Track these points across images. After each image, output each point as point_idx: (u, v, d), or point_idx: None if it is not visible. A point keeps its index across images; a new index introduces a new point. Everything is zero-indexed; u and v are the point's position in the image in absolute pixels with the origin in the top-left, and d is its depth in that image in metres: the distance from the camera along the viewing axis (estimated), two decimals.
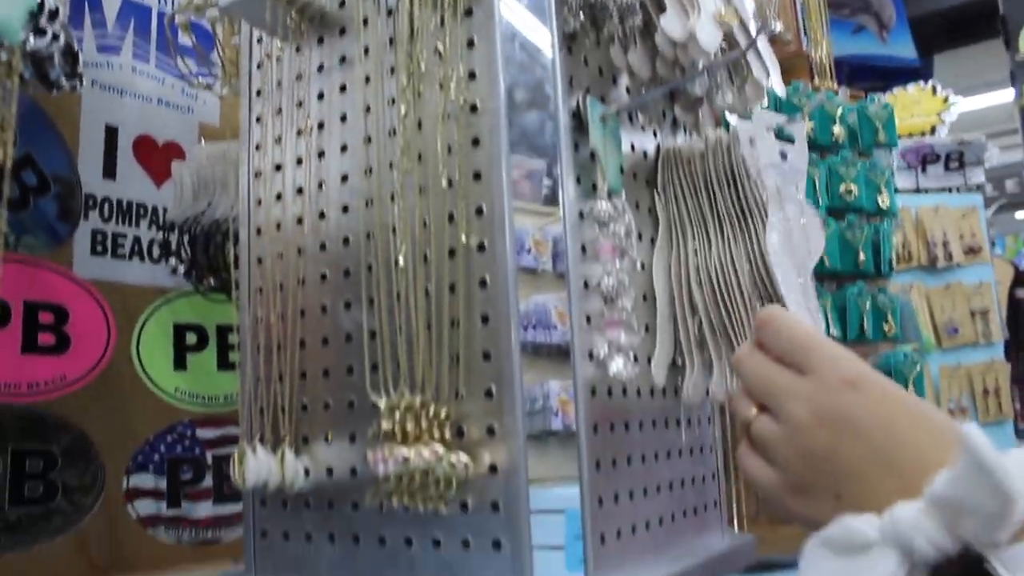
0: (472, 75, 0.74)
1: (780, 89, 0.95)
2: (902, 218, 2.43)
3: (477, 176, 0.73)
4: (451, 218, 0.73)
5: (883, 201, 1.49)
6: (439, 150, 0.73)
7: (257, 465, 0.81)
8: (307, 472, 0.82)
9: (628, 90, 0.85)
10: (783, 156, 0.86)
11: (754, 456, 0.64)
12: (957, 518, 0.48)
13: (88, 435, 1.15)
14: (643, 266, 0.84)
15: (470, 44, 0.74)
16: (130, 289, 1.20)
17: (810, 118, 1.44)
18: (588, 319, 0.74)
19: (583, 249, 0.75)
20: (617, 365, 0.73)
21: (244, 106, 0.90)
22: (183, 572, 1.19)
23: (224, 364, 1.28)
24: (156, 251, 1.23)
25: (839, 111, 1.48)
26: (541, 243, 2.66)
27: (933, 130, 3.17)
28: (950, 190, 3.00)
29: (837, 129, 1.47)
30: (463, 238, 0.72)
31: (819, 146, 1.45)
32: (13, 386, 1.09)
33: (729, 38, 0.90)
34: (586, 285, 0.74)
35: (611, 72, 0.84)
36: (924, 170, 3.00)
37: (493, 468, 0.71)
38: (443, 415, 0.72)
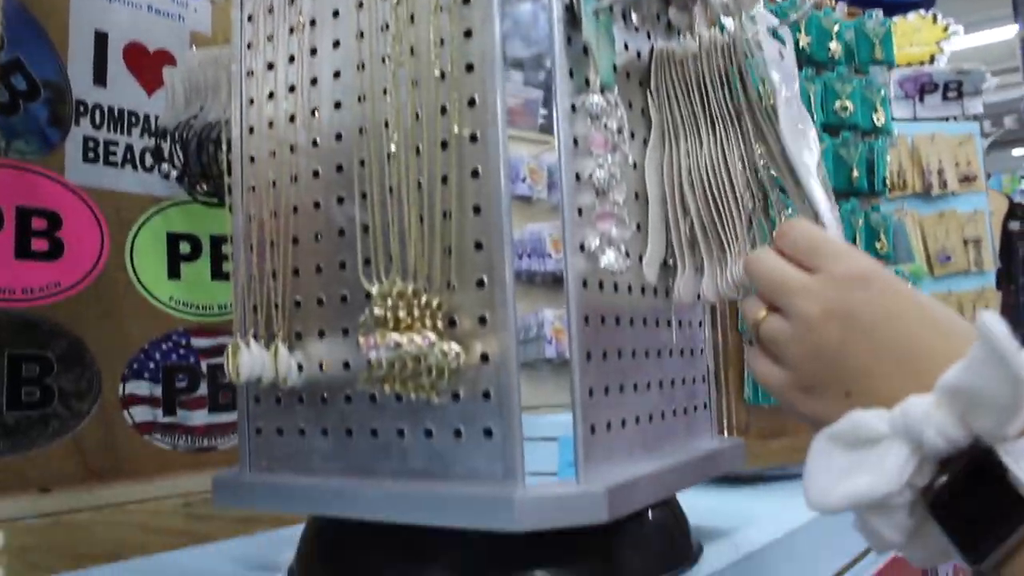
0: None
1: None
2: (899, 146, 2.44)
3: (470, 68, 0.72)
4: (443, 110, 0.73)
5: (878, 119, 1.49)
6: (431, 41, 0.73)
7: (251, 359, 0.82)
8: (300, 367, 0.83)
9: None
10: (781, 55, 0.86)
11: (763, 357, 0.65)
12: (969, 409, 0.48)
13: (83, 341, 1.16)
14: (635, 165, 0.84)
15: None
16: (123, 197, 1.20)
17: (807, 32, 1.42)
18: (580, 212, 0.74)
19: (575, 143, 0.75)
20: (609, 258, 0.73)
21: (236, 4, 0.90)
22: (179, 478, 1.21)
23: (218, 274, 1.29)
24: (149, 159, 1.23)
25: (836, 27, 1.47)
26: (536, 171, 2.65)
27: (932, 59, 3.16)
28: (947, 119, 2.99)
29: (834, 45, 1.46)
30: (455, 129, 0.72)
31: (815, 62, 1.45)
32: (8, 291, 1.09)
33: None
34: (578, 178, 0.75)
35: None
36: (922, 100, 2.99)
37: (484, 357, 0.71)
38: (435, 304, 0.73)
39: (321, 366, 0.81)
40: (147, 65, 1.24)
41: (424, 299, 0.72)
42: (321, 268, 0.81)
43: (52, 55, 1.15)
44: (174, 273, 1.25)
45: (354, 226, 0.78)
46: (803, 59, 1.43)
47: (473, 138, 0.72)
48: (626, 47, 0.85)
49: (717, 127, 0.84)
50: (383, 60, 0.76)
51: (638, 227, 0.84)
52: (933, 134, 2.50)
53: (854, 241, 1.40)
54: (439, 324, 0.72)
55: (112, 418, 1.18)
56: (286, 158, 0.83)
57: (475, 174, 0.72)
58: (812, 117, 1.40)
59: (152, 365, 1.22)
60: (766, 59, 0.82)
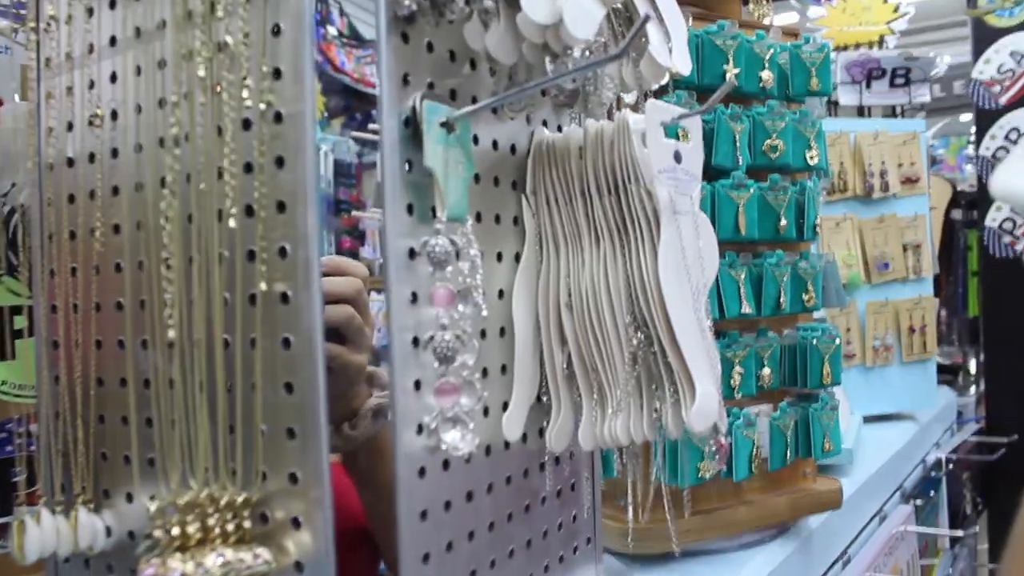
0: (277, 73, 0.58)
1: (685, 65, 0.80)
2: (840, 145, 2.31)
3: (281, 207, 0.58)
4: (251, 255, 0.59)
5: (812, 157, 1.35)
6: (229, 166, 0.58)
7: (41, 536, 0.68)
8: (108, 532, 0.69)
9: (493, 73, 0.70)
10: (677, 158, 0.72)
11: None
12: None
13: None
14: (501, 293, 0.71)
15: (275, 31, 0.58)
16: None
17: (735, 63, 1.28)
18: (417, 384, 0.60)
19: (413, 297, 0.61)
20: (453, 438, 0.60)
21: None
22: None
23: None
24: None
25: (769, 53, 1.33)
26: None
27: (881, 40, 3.04)
28: (895, 109, 2.88)
29: (766, 75, 1.32)
30: (263, 286, 0.57)
31: (744, 94, 1.30)
32: None
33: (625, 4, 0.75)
34: (416, 342, 0.61)
35: (468, 57, 0.68)
36: (868, 86, 2.87)
37: (299, 566, 0.58)
38: (240, 501, 0.59)
39: (131, 534, 0.68)
40: None
41: (225, 499, 0.59)
42: (127, 419, 0.67)
43: None
44: (4, 353, 1.08)
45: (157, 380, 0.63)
46: (730, 93, 1.29)
47: (284, 298, 0.58)
48: (495, 145, 0.71)
49: (602, 241, 0.71)
50: (187, 178, 0.61)
51: (503, 369, 0.71)
52: (876, 133, 2.37)
53: (778, 295, 1.28)
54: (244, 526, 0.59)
55: None
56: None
57: (286, 343, 0.58)
58: (738, 160, 1.27)
59: None
60: (650, 167, 0.69)
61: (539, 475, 0.75)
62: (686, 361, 0.66)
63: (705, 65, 1.26)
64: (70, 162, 0.71)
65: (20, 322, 1.10)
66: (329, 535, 0.57)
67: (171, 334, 0.58)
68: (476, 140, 0.69)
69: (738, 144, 1.26)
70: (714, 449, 0.73)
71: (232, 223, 0.57)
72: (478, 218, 0.69)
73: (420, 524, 0.60)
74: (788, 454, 1.29)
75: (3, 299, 1.08)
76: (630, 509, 1.24)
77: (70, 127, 0.71)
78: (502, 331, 0.71)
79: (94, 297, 0.69)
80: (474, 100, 0.68)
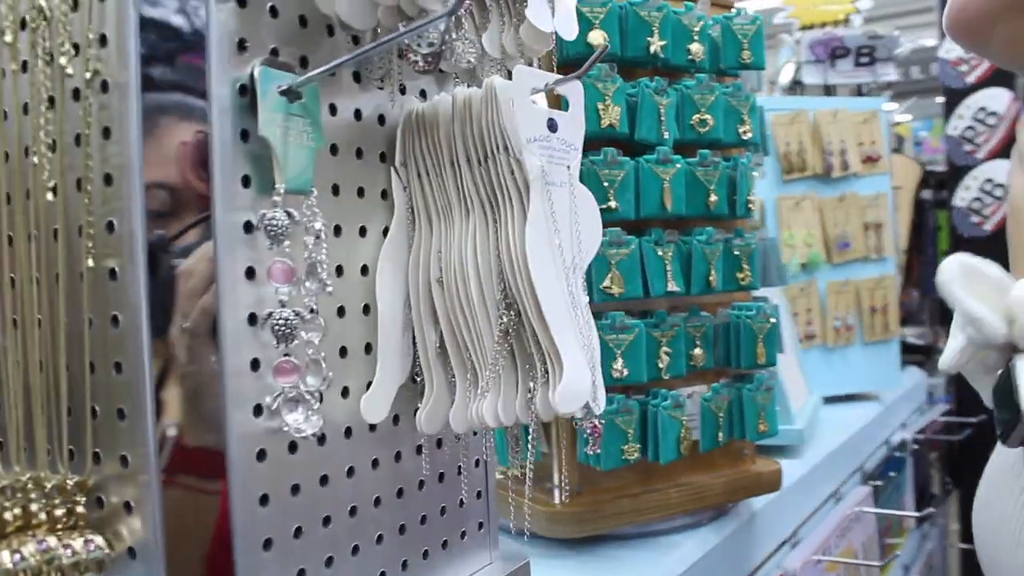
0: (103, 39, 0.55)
1: (568, 31, 0.76)
2: (799, 123, 2.28)
3: (108, 179, 0.56)
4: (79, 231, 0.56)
5: (745, 132, 1.32)
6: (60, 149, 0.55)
7: None
8: None
9: (356, 42, 0.67)
10: (552, 127, 0.69)
11: None
12: None
13: None
14: (365, 269, 0.68)
15: None
16: None
17: (661, 35, 1.25)
18: (255, 364, 0.58)
19: (250, 272, 0.58)
20: (295, 419, 0.57)
21: None
22: None
23: None
24: None
25: (699, 26, 1.29)
26: None
27: (847, 19, 3.01)
28: (860, 88, 2.86)
29: (695, 47, 1.28)
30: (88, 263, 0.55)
31: (671, 68, 1.27)
32: None
33: None
34: (253, 319, 0.58)
35: (324, 23, 0.65)
36: (833, 64, 2.85)
37: (132, 552, 0.56)
38: (70, 485, 0.57)
39: None
40: None
41: (52, 483, 0.56)
42: None
43: None
44: None
45: None
46: (656, 65, 1.26)
47: (112, 274, 0.55)
48: (357, 115, 0.68)
49: (472, 213, 0.68)
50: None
51: (367, 348, 0.68)
52: (836, 111, 2.33)
53: (707, 273, 1.25)
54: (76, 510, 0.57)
55: None
56: None
57: (115, 321, 0.56)
58: (664, 134, 1.24)
59: None
60: (519, 135, 0.65)
61: (415, 458, 0.73)
62: (555, 340, 0.64)
63: (629, 37, 1.22)
64: None
65: None
66: (158, 521, 0.55)
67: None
68: (334, 110, 0.66)
69: (664, 118, 1.23)
70: (587, 431, 0.70)
71: (51, 197, 0.54)
72: (335, 191, 0.66)
73: (260, 509, 0.58)
74: (721, 436, 1.27)
75: None
76: (556, 492, 1.23)
77: None
78: (366, 308, 0.68)
79: None
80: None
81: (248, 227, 0.58)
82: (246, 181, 0.58)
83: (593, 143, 1.18)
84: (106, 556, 0.57)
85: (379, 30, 0.66)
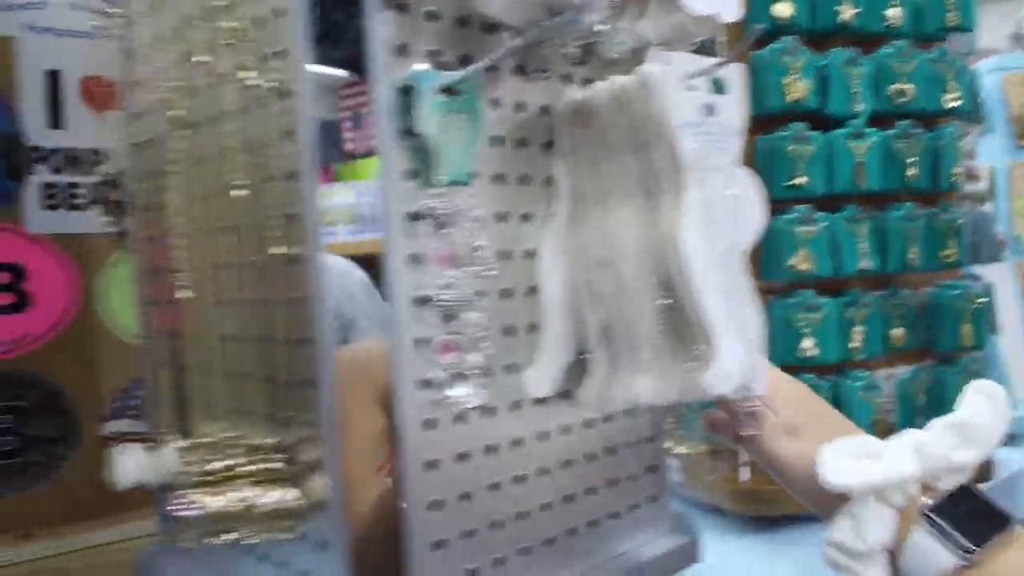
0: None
1: (729, 10, 0.75)
2: None
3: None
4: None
5: (951, 100, 1.25)
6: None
7: (130, 466, 0.75)
8: None
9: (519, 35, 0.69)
10: (709, 111, 0.67)
11: None
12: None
13: (60, 387, 1.12)
14: (530, 253, 0.70)
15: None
16: (89, 239, 1.14)
17: (856, 2, 1.19)
18: (424, 342, 0.62)
19: (416, 258, 0.61)
20: (459, 393, 0.61)
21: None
22: None
23: None
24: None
25: None
26: None
27: None
28: None
29: (892, 12, 1.22)
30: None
31: (866, 36, 1.22)
32: None
33: None
34: (420, 302, 0.61)
35: (483, 23, 0.67)
36: None
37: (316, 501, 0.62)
38: (268, 445, 0.63)
39: None
40: (107, 97, 1.16)
41: (250, 443, 0.63)
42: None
43: (2, 104, 1.09)
44: None
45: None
46: (847, 36, 1.21)
47: (294, 261, 0.61)
48: (521, 107, 0.70)
49: (631, 199, 0.67)
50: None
51: (534, 328, 0.70)
52: None
53: (905, 250, 1.19)
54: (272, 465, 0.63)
55: (95, 459, 1.15)
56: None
57: (300, 302, 0.62)
58: (857, 107, 1.19)
59: (133, 402, 1.18)
60: (673, 123, 0.64)
61: (584, 432, 0.74)
62: (708, 323, 0.63)
63: (818, 7, 1.19)
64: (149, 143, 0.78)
65: None
66: (340, 478, 0.60)
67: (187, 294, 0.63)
68: (497, 103, 0.68)
69: (857, 90, 1.19)
70: (745, 413, 0.70)
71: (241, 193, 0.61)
72: (500, 180, 0.68)
73: (427, 473, 0.61)
74: (919, 420, 1.22)
75: None
76: (740, 470, 1.21)
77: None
78: (531, 290, 0.70)
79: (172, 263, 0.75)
80: (494, 67, 0.67)
81: (415, 216, 0.61)
82: (414, 174, 0.62)
83: (780, 118, 1.15)
84: (298, 506, 0.63)
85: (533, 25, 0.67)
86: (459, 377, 0.61)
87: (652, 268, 0.66)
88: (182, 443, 0.65)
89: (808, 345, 1.14)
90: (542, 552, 0.71)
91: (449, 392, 0.61)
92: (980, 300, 1.24)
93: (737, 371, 0.64)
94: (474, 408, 0.63)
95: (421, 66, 0.61)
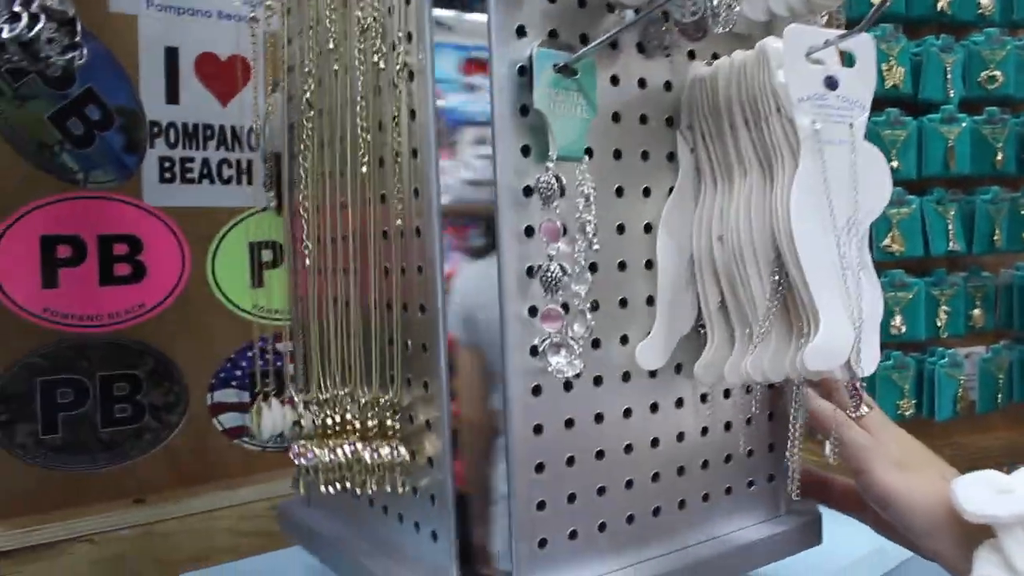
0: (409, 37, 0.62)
1: None
2: None
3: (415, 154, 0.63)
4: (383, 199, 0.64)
5: None
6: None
7: (272, 418, 0.78)
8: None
9: (637, 12, 0.68)
10: (831, 84, 0.65)
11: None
12: None
13: (170, 357, 1.14)
14: (649, 228, 0.70)
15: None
16: (202, 212, 1.15)
17: None
18: (533, 311, 0.62)
19: (528, 231, 0.62)
20: (557, 361, 0.62)
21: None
22: (266, 482, 1.20)
23: None
24: (227, 172, 1.19)
25: None
26: None
27: None
28: None
29: (986, 0, 1.21)
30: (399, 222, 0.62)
31: (957, 24, 1.20)
32: (95, 317, 1.09)
33: None
34: (529, 272, 0.62)
35: (603, 3, 0.66)
36: None
37: (429, 459, 0.64)
38: (383, 402, 0.66)
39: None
40: (220, 75, 1.17)
41: (364, 400, 0.65)
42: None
43: (123, 80, 1.10)
44: (257, 281, 1.21)
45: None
46: (943, 22, 1.19)
47: (417, 232, 0.63)
48: (642, 83, 0.69)
49: (749, 174, 0.67)
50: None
51: (649, 300, 0.70)
52: None
53: (992, 233, 1.18)
54: (388, 422, 0.66)
55: (202, 427, 1.17)
56: None
57: (420, 270, 0.63)
58: (949, 93, 1.18)
59: (239, 373, 1.20)
60: (791, 97, 0.63)
61: (700, 405, 0.74)
62: (814, 299, 0.62)
63: None
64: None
65: (267, 255, 1.23)
66: (448, 437, 0.61)
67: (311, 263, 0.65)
68: (616, 81, 0.68)
69: (949, 76, 1.17)
70: (849, 392, 0.69)
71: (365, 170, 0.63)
72: (617, 155, 0.68)
73: (534, 436, 0.62)
74: (1000, 398, 1.20)
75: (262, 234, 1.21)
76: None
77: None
78: (648, 264, 0.69)
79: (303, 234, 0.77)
80: (614, 45, 0.67)
81: (527, 191, 0.62)
82: (526, 150, 0.62)
83: (877, 103, 1.13)
84: (405, 463, 0.65)
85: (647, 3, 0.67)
86: (560, 346, 0.62)
87: (765, 243, 0.65)
88: (303, 398, 0.67)
89: (897, 322, 1.14)
90: (648, 521, 0.71)
91: (549, 359, 0.62)
92: None
93: (840, 349, 0.63)
94: (577, 376, 0.63)
95: (538, 46, 0.62)
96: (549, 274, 0.61)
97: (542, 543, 0.64)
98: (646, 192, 0.70)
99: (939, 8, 1.16)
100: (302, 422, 0.72)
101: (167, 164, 1.15)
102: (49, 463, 1.07)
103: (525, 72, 0.62)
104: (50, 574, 1.05)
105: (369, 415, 0.66)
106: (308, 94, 0.71)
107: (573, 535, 0.66)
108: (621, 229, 0.68)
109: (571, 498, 0.65)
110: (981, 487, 0.62)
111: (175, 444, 1.15)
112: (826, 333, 0.61)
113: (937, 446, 1.18)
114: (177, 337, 1.15)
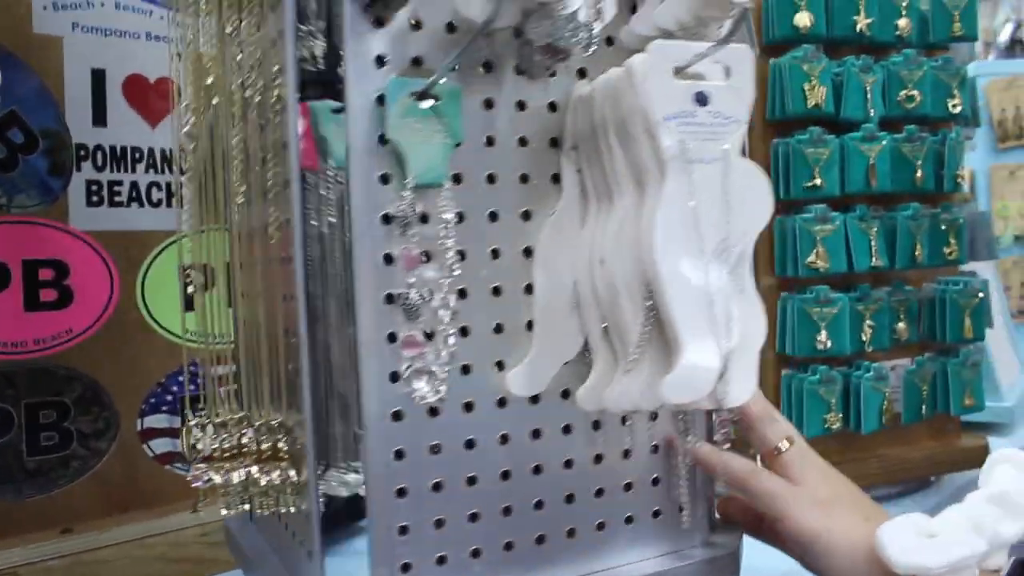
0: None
1: None
2: (1015, 89, 2.05)
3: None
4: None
5: (954, 106, 1.21)
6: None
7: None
8: None
9: (518, 35, 0.65)
10: (701, 100, 0.62)
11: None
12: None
13: (99, 383, 1.12)
14: (528, 252, 0.68)
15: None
16: (131, 236, 1.13)
17: (867, 12, 1.17)
18: (392, 337, 0.61)
19: (388, 258, 0.61)
20: (421, 387, 0.61)
21: None
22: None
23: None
24: (156, 195, 1.18)
25: (907, 0, 1.21)
26: None
27: None
28: None
29: (903, 22, 1.20)
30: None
31: (878, 45, 1.20)
32: (20, 343, 1.07)
33: None
34: (389, 299, 0.61)
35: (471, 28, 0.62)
36: None
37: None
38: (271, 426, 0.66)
39: None
40: (149, 96, 1.16)
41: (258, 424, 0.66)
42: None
43: (49, 101, 1.08)
44: (189, 305, 1.20)
45: None
46: (863, 43, 1.19)
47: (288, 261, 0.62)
48: (521, 106, 0.68)
49: (624, 195, 0.64)
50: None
51: (530, 326, 0.68)
52: None
53: (913, 248, 1.18)
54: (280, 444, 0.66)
55: (132, 453, 1.14)
56: None
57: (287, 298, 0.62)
58: (870, 112, 1.17)
59: (169, 398, 1.18)
60: (656, 115, 0.60)
61: (591, 433, 0.71)
62: (677, 326, 0.59)
63: (835, 16, 1.17)
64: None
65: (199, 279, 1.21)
66: (312, 459, 0.61)
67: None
68: (490, 104, 0.66)
69: (869, 96, 1.17)
70: (718, 425, 0.68)
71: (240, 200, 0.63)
72: (491, 180, 0.66)
73: (395, 462, 0.61)
74: (924, 409, 1.20)
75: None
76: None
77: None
78: (528, 288, 0.68)
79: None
80: (488, 67, 0.66)
81: (387, 219, 0.61)
82: (385, 179, 0.61)
83: (800, 122, 1.14)
84: (294, 483, 0.64)
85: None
86: (424, 372, 0.61)
87: (637, 268, 0.62)
88: (199, 422, 0.68)
89: (822, 337, 1.13)
90: (531, 549, 0.69)
91: (415, 386, 0.61)
92: (980, 295, 1.22)
93: (702, 379, 0.60)
94: (441, 402, 0.62)
95: (397, 74, 0.61)
96: (408, 301, 0.60)
97: (405, 567, 0.62)
98: (526, 216, 0.68)
99: (858, 29, 1.15)
100: (198, 445, 0.71)
101: (95, 187, 1.13)
102: None
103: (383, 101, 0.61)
104: None
105: (262, 438, 0.66)
106: (188, 126, 0.71)
107: (442, 560, 0.64)
108: (496, 254, 0.67)
109: (439, 524, 0.64)
110: (907, 534, 0.60)
111: (104, 471, 1.13)
112: (687, 363, 0.58)
113: (862, 459, 1.19)
114: (106, 363, 1.13)
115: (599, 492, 0.72)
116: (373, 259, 0.60)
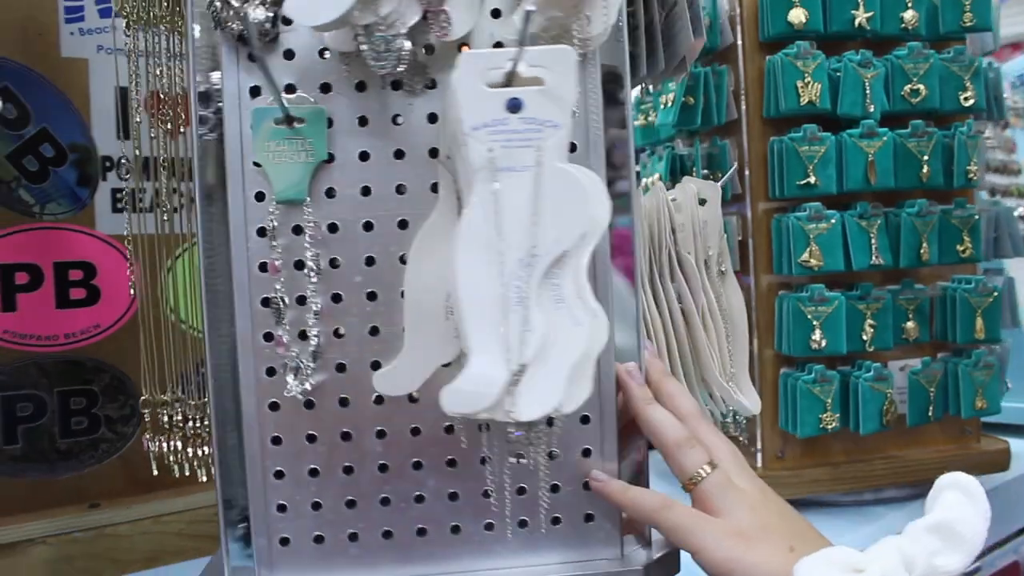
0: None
1: None
2: None
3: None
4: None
5: (967, 99, 1.21)
6: None
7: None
8: None
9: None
10: (513, 107, 0.63)
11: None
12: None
13: (124, 373, 1.31)
14: (403, 259, 0.74)
15: None
16: (152, 239, 1.31)
17: (867, 7, 1.18)
18: (268, 336, 0.73)
19: (263, 267, 0.72)
20: (291, 382, 0.72)
21: None
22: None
23: None
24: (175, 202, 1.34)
25: None
26: None
27: None
28: None
29: (909, 15, 1.20)
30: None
31: (881, 38, 1.21)
32: (52, 337, 1.22)
33: None
34: (264, 303, 0.72)
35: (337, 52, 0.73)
36: None
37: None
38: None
39: None
40: (168, 111, 1.32)
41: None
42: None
43: (76, 119, 1.27)
44: None
45: None
46: (865, 37, 1.22)
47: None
48: (395, 120, 0.75)
49: (456, 205, 0.70)
50: None
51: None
52: None
53: (918, 246, 1.20)
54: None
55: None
56: None
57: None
58: (869, 108, 1.20)
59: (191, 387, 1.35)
60: (464, 124, 0.63)
61: (478, 434, 0.76)
62: (467, 337, 0.62)
63: (833, 11, 1.18)
64: None
65: None
66: (215, 437, 0.76)
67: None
68: (364, 121, 0.74)
69: (869, 91, 1.20)
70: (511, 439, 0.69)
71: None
72: (366, 192, 0.74)
73: (272, 447, 0.73)
74: (931, 411, 1.22)
75: None
76: (759, 455, 1.24)
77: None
78: (404, 293, 0.73)
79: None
80: (361, 86, 0.73)
81: (261, 232, 0.72)
82: (260, 196, 0.72)
83: (794, 120, 1.17)
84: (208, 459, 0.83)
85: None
86: (291, 369, 0.73)
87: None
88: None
89: (816, 337, 1.17)
90: (412, 540, 0.77)
91: (287, 380, 0.72)
92: (994, 294, 1.21)
93: (483, 392, 0.62)
94: (303, 395, 0.73)
95: (267, 103, 0.72)
96: (275, 305, 0.72)
97: (284, 541, 0.73)
98: (402, 224, 0.75)
99: (857, 24, 1.16)
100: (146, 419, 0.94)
101: (119, 195, 1.30)
102: (10, 472, 1.24)
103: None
104: (8, 573, 1.21)
105: (198, 417, 0.84)
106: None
107: (319, 539, 0.74)
108: (370, 261, 0.74)
109: (316, 506, 0.73)
110: (829, 569, 0.59)
111: (129, 454, 1.30)
112: (468, 374, 0.61)
113: (869, 459, 1.23)
114: (131, 355, 1.30)
115: (485, 493, 0.77)
116: (248, 267, 0.71)
